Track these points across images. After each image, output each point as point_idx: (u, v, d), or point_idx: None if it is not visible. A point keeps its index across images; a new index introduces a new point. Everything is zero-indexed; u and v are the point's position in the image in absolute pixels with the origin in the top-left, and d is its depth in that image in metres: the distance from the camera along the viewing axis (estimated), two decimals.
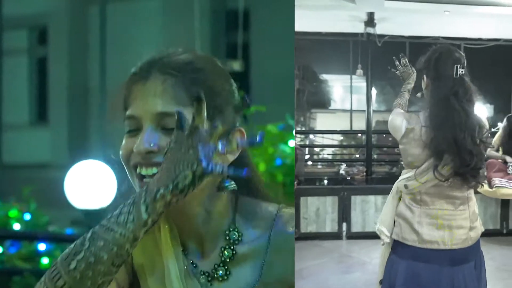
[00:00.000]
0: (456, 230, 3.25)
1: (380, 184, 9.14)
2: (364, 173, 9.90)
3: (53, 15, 12.46)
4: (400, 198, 3.43)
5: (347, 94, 12.18)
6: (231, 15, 10.07)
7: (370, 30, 9.34)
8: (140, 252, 1.79)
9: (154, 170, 1.66)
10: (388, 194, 6.89)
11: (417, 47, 10.22)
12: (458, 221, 3.25)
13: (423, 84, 3.37)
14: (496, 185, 7.24)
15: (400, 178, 3.41)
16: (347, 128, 11.85)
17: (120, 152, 1.76)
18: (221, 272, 1.75)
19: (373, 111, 10.21)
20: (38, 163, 11.69)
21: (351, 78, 11.11)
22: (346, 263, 7.37)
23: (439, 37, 9.99)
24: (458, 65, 3.21)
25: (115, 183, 6.87)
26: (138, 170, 1.71)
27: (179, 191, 1.56)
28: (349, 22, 9.32)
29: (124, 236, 1.56)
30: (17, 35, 13.11)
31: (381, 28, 9.40)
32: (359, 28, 9.42)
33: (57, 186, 7.23)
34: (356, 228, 8.31)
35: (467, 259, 3.30)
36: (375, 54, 9.79)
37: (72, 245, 1.60)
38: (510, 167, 7.50)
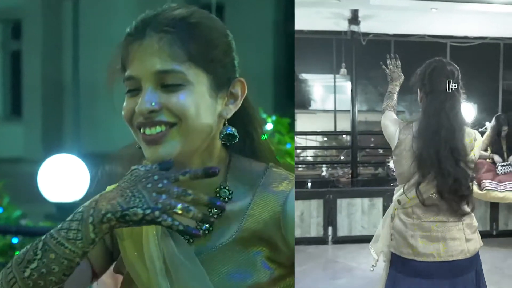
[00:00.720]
0: (450, 242, 3.25)
1: (366, 186, 9.07)
2: (350, 175, 9.67)
3: (27, 9, 12.34)
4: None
5: (328, 94, 12.04)
6: (205, 8, 9.84)
7: (354, 28, 9.13)
8: None
9: (158, 129, 1.68)
10: (375, 196, 7.26)
11: (402, 45, 10.12)
12: (452, 233, 3.25)
13: (418, 97, 3.40)
14: (486, 187, 7.17)
15: (394, 195, 3.40)
16: (329, 129, 11.62)
17: (123, 113, 1.74)
18: (205, 226, 1.77)
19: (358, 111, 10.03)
20: (12, 158, 11.51)
21: (334, 78, 10.91)
22: (333, 269, 7.18)
23: (425, 35, 10.06)
24: (451, 80, 3.26)
25: (88, 176, 6.91)
26: (142, 130, 1.71)
27: (124, 221, 1.60)
28: (332, 20, 9.11)
29: (74, 252, 1.63)
30: None
31: (366, 26, 9.20)
32: (343, 26, 9.22)
33: (30, 180, 7.20)
34: (342, 232, 8.15)
35: (467, 269, 3.30)
36: (359, 53, 9.61)
37: (25, 250, 1.67)
38: (499, 166, 7.42)
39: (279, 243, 1.78)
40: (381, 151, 10.93)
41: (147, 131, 1.69)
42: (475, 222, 3.35)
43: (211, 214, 1.75)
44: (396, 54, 3.94)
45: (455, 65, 3.36)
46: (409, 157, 3.23)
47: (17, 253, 1.69)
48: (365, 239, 7.82)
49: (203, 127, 1.70)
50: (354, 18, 9.03)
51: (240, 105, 1.79)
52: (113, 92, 1.83)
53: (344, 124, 11.19)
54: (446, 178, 3.16)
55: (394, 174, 6.62)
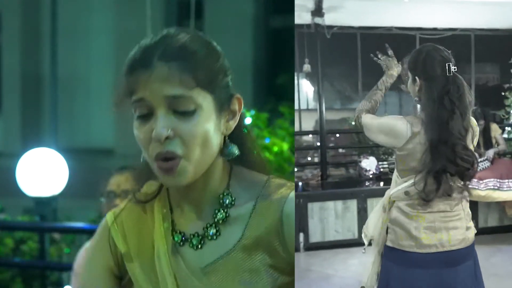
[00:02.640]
0: (452, 231, 3.20)
1: (338, 188, 8.52)
2: (320, 177, 9.01)
3: (6, 4, 12.13)
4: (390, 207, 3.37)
5: None
6: (184, 3, 9.74)
7: (318, 20, 8.59)
8: (122, 241, 1.93)
9: (171, 162, 1.76)
10: (348, 198, 7.13)
11: (369, 38, 9.84)
12: (454, 222, 3.21)
13: (415, 87, 3.27)
14: None
15: (395, 187, 3.32)
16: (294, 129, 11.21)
17: (137, 138, 1.80)
18: (212, 231, 1.85)
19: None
20: None
21: (298, 75, 10.25)
22: (308, 278, 6.73)
23: (392, 27, 9.58)
24: (450, 63, 3.19)
25: (67, 171, 7.02)
26: (157, 157, 1.78)
27: None
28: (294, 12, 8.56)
29: None
30: None
31: (330, 18, 8.70)
32: (306, 18, 8.67)
33: (8, 174, 7.14)
34: (315, 238, 7.73)
35: (466, 258, 3.26)
36: (323, 47, 9.09)
37: None
38: (480, 163, 7.26)
39: (279, 249, 1.83)
40: (354, 152, 10.42)
41: (164, 164, 1.76)
42: (469, 209, 3.33)
43: (216, 220, 1.86)
44: (387, 45, 3.77)
45: (448, 51, 3.28)
46: (422, 150, 3.13)
47: None
48: (340, 244, 7.73)
49: (212, 151, 1.81)
50: (318, 10, 8.50)
51: (238, 120, 1.87)
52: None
53: (308, 124, 10.93)
54: (458, 162, 3.11)
55: (366, 174, 6.00)
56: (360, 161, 8.99)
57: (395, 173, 3.40)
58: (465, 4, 8.45)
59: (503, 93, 10.30)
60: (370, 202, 7.72)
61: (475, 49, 10.56)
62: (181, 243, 1.87)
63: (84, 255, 2.02)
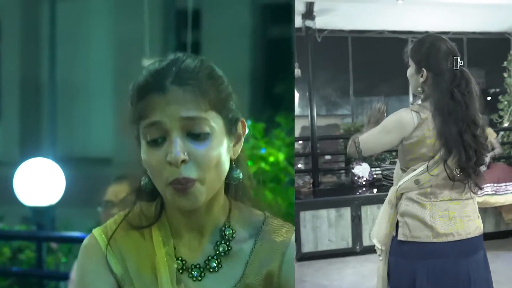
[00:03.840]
0: (466, 219, 3.20)
1: (330, 196, 8.15)
2: (311, 185, 8.71)
3: (5, 11, 12.10)
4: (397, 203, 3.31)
5: None
6: (182, 12, 9.80)
7: (309, 23, 8.44)
8: (120, 264, 1.83)
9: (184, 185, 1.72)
10: (342, 206, 6.90)
11: (360, 42, 9.78)
12: (466, 210, 3.21)
13: (419, 78, 3.25)
14: None
15: (399, 181, 3.27)
16: None
17: (149, 164, 1.77)
18: (214, 264, 1.81)
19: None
20: None
21: None
22: None
23: (384, 30, 9.47)
24: (458, 57, 3.20)
25: (64, 180, 6.99)
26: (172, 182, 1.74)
27: None
28: None
29: None
30: None
31: (321, 22, 8.56)
32: (296, 21, 8.50)
33: (6, 183, 7.04)
34: (307, 247, 7.51)
35: (478, 248, 3.26)
36: (314, 51, 8.86)
37: None
38: None
39: None
40: (340, 159, 10.26)
41: (180, 186, 1.73)
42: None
43: (218, 252, 1.82)
44: (380, 101, 3.72)
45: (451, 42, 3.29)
46: (432, 135, 3.13)
47: None
48: (334, 254, 7.60)
49: (223, 175, 1.79)
50: (308, 13, 8.36)
51: (242, 144, 1.86)
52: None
53: (297, 130, 10.67)
54: (468, 151, 3.10)
55: (359, 180, 5.85)
56: (353, 168, 8.79)
57: (398, 168, 3.36)
58: (456, 7, 8.37)
59: (488, 98, 10.35)
60: (364, 209, 7.63)
61: (467, 53, 10.26)
62: (181, 271, 1.83)
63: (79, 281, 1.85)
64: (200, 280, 1.81)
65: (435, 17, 8.76)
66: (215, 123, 1.74)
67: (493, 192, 7.25)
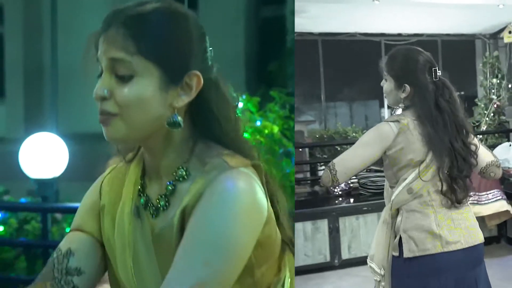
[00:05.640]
0: (470, 226, 3.05)
1: (306, 207, 7.29)
2: None
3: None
4: (390, 222, 3.09)
5: None
6: None
7: None
8: (105, 194, 1.96)
9: (104, 116, 1.77)
10: (318, 218, 6.40)
11: (330, 45, 9.31)
12: (469, 217, 3.07)
13: (401, 94, 3.10)
14: None
15: (395, 192, 3.05)
16: None
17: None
18: (162, 202, 1.83)
19: None
20: None
21: None
22: None
23: (356, 33, 8.97)
24: (436, 68, 3.10)
25: (67, 154, 7.12)
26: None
27: None
28: None
29: None
30: None
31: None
32: None
33: (12, 158, 7.16)
34: None
35: (483, 256, 3.11)
36: None
37: None
38: None
39: None
40: (321, 167, 9.11)
41: (100, 117, 1.78)
42: None
43: (167, 191, 1.83)
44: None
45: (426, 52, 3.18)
46: (416, 139, 2.99)
47: None
48: (311, 269, 6.97)
49: (147, 117, 1.77)
50: None
51: (193, 96, 1.81)
52: (88, 75, 1.87)
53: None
54: (459, 160, 3.00)
55: (335, 190, 5.16)
56: None
57: (387, 187, 3.19)
58: (430, 7, 7.97)
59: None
60: (342, 221, 7.06)
61: (442, 55, 9.97)
62: (145, 208, 1.87)
63: None
64: (155, 217, 1.84)
65: (409, 19, 8.38)
66: (141, 68, 1.75)
67: (475, 202, 6.77)
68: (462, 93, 9.73)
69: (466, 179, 3.06)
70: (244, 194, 1.72)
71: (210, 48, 1.88)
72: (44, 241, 6.62)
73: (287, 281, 1.87)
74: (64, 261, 1.90)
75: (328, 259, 6.99)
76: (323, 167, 7.61)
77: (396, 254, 3.02)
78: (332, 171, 3.09)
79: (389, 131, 3.00)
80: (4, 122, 12.01)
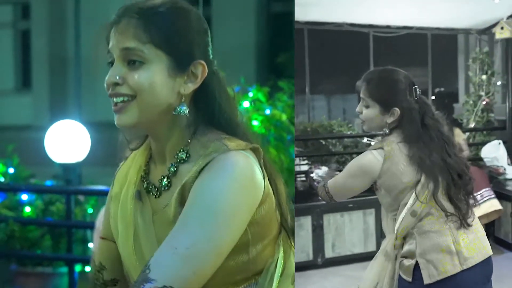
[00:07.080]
0: (481, 237, 2.89)
1: None
2: None
3: None
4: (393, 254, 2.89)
5: None
6: None
7: None
8: (118, 182, 2.01)
9: (120, 99, 1.82)
10: (302, 215, 5.99)
11: (317, 34, 8.73)
12: (477, 228, 2.89)
13: (388, 118, 2.90)
14: None
15: (396, 226, 2.86)
16: None
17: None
18: (164, 183, 1.88)
19: None
20: (22, 125, 11.72)
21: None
22: None
23: (343, 23, 8.17)
24: (416, 86, 2.92)
25: (89, 140, 7.33)
26: (112, 101, 1.86)
27: None
28: None
29: None
30: (3, 10, 13.14)
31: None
32: None
33: (38, 144, 7.39)
34: None
35: (492, 268, 2.93)
36: None
37: None
38: None
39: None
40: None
41: (114, 100, 1.83)
42: None
43: (169, 172, 1.88)
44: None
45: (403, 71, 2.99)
46: (405, 161, 2.81)
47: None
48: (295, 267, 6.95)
49: (158, 102, 1.81)
50: None
51: (199, 84, 1.86)
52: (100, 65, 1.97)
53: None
54: (452, 174, 2.83)
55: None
56: (311, 172, 7.47)
57: (385, 221, 3.00)
58: (423, 0, 7.39)
59: (433, 97, 9.20)
60: (327, 218, 6.66)
61: (432, 49, 9.40)
62: (147, 190, 1.93)
63: None
64: (157, 198, 1.89)
65: (400, 10, 7.74)
66: (152, 55, 1.80)
67: None
68: (442, 89, 9.40)
69: (467, 196, 2.89)
70: (242, 170, 1.76)
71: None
72: (68, 221, 6.75)
73: (280, 261, 1.88)
74: (100, 277, 2.02)
75: (311, 257, 6.63)
76: (305, 161, 7.76)
77: (409, 279, 2.81)
78: (328, 193, 3.07)
79: (373, 160, 2.84)
80: (30, 111, 12.20)
